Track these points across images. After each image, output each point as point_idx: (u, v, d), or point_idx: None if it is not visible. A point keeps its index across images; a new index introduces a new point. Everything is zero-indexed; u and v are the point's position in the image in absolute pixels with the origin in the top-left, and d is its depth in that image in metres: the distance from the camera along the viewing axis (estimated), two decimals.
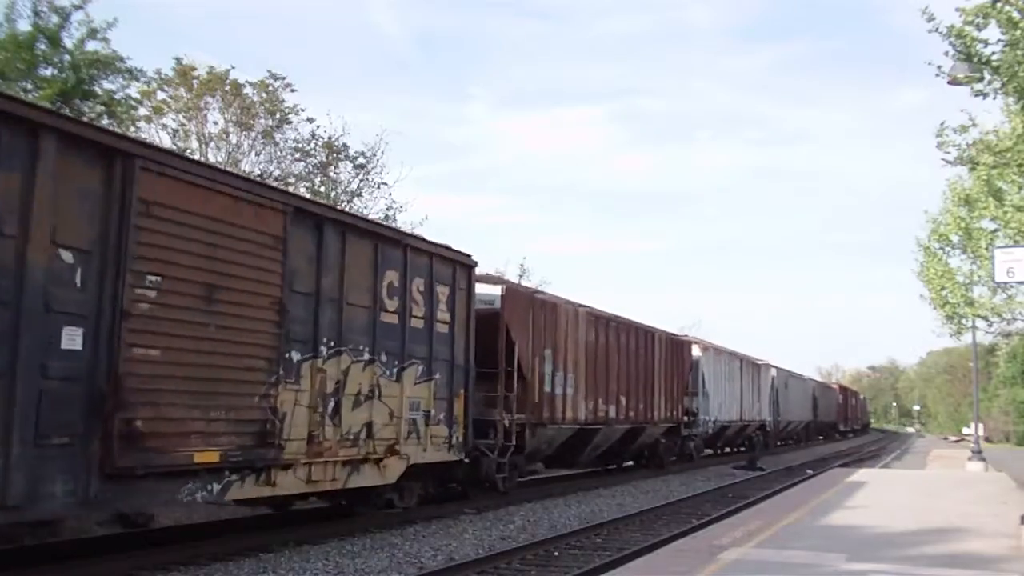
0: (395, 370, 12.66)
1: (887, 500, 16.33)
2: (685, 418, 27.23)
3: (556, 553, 11.90)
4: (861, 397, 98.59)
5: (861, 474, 23.59)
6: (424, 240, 14.32)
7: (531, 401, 17.29)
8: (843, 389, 77.03)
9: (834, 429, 67.44)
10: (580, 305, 20.44)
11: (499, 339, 16.20)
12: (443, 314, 13.99)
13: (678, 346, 27.26)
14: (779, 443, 45.24)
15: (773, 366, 42.52)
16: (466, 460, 15.03)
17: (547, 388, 18.00)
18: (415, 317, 13.20)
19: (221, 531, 12.06)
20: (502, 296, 16.74)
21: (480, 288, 15.92)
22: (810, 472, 26.51)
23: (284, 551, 11.18)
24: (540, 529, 14.10)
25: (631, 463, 26.21)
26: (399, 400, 12.74)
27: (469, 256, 15.24)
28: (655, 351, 24.64)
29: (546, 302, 18.82)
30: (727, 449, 37.32)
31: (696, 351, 29.70)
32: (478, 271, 15.87)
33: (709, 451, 34.06)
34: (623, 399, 22.20)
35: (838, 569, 8.99)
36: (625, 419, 22.43)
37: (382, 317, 12.42)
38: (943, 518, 13.39)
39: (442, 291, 14.03)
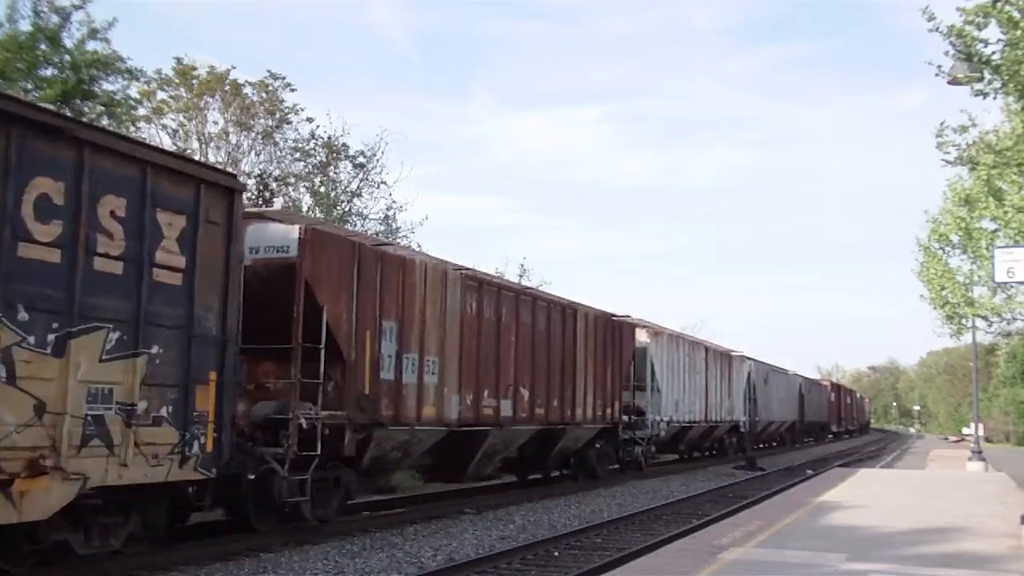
0: (51, 336, 8.22)
1: (887, 500, 16.34)
2: (626, 418, 22.60)
3: (556, 553, 11.90)
4: (858, 395, 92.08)
5: (861, 474, 23.60)
6: (126, 138, 10.49)
7: (354, 392, 12.45)
8: (835, 386, 70.64)
9: (825, 430, 62.58)
10: (456, 266, 15.65)
11: (296, 302, 11.53)
12: (171, 256, 9.57)
13: (615, 329, 21.90)
14: (758, 446, 40.37)
15: (749, 358, 37.53)
16: (251, 476, 11.14)
17: (386, 374, 13.14)
18: (104, 256, 8.81)
19: (221, 531, 12.05)
20: (301, 240, 11.72)
21: (265, 229, 11.91)
22: (810, 472, 26.52)
23: (284, 551, 11.19)
24: (540, 529, 14.10)
25: (557, 474, 21.23)
26: (60, 385, 8.26)
27: (230, 175, 11.26)
28: (579, 333, 19.59)
29: (388, 256, 13.75)
30: (695, 454, 33.26)
31: (643, 336, 24.71)
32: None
33: (674, 456, 30.54)
34: (525, 392, 17.18)
35: (838, 569, 8.99)
36: (531, 418, 17.46)
37: (20, 250, 8.03)
38: (943, 518, 13.39)
39: (170, 221, 9.60)
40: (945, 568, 9.23)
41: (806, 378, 54.83)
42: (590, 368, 20.16)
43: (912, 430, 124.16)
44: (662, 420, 25.38)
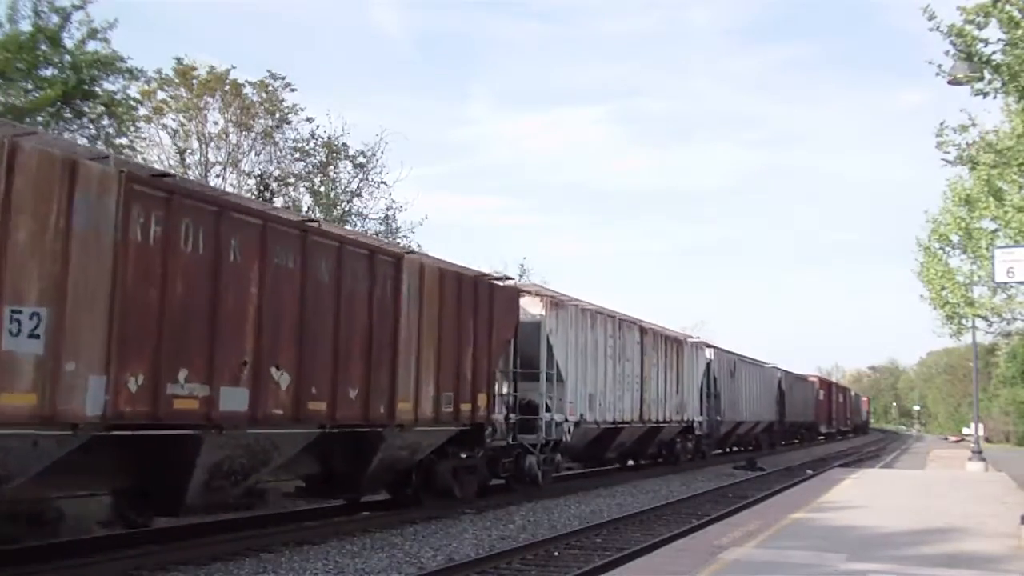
0: None
1: (887, 500, 16.34)
2: (503, 416, 16.81)
3: (556, 553, 11.90)
4: (852, 393, 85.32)
5: (861, 474, 23.60)
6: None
7: None
8: (825, 383, 64.20)
9: (812, 431, 56.40)
10: (100, 157, 9.76)
11: None
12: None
13: (483, 294, 15.57)
14: (722, 451, 35.52)
15: (710, 345, 31.83)
16: None
17: None
18: None
19: (221, 531, 12.05)
20: None
21: None
22: (810, 472, 26.51)
23: (284, 551, 11.19)
24: (540, 529, 14.10)
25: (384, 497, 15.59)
26: None
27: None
28: (407, 294, 13.36)
29: None
30: (634, 461, 26.93)
31: (535, 307, 18.40)
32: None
33: (610, 466, 25.28)
34: (281, 376, 10.91)
35: (838, 569, 8.99)
36: (296, 416, 11.10)
37: None
38: (943, 518, 13.39)
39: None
40: (945, 568, 9.23)
41: (788, 372, 47.64)
42: (430, 345, 13.85)
43: (912, 430, 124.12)
44: (567, 420, 19.02)
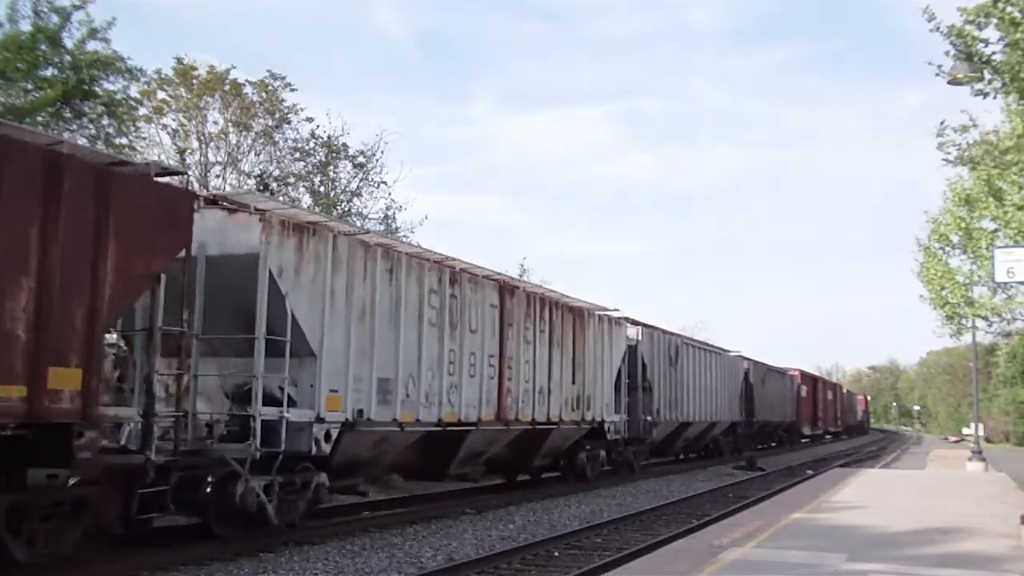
0: None
1: (887, 500, 16.34)
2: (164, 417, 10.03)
3: (556, 553, 11.90)
4: (844, 390, 77.08)
5: (861, 474, 23.60)
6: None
7: None
8: (809, 378, 55.20)
9: (792, 433, 48.74)
10: None
11: None
12: None
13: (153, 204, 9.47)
14: (656, 460, 27.52)
15: (636, 322, 24.20)
16: None
17: None
18: None
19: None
20: None
21: None
22: (810, 472, 26.52)
23: (284, 551, 11.19)
24: (540, 529, 14.10)
25: None
26: None
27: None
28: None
29: None
30: (522, 477, 20.04)
31: (250, 230, 11.35)
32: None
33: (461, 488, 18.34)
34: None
35: (838, 569, 8.99)
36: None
37: None
38: (943, 518, 13.39)
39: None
40: (945, 568, 9.24)
41: (758, 363, 39.95)
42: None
43: (911, 430, 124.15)
44: (320, 421, 11.85)
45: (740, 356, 36.61)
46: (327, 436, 11.89)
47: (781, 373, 46.12)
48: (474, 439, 15.76)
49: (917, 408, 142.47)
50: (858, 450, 48.56)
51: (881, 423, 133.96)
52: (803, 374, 52.34)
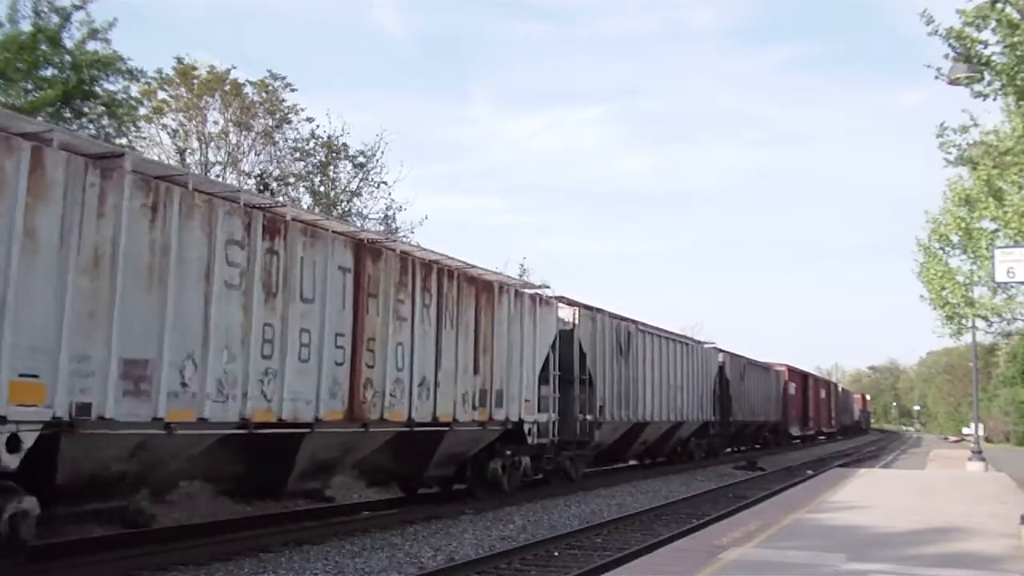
0: None
1: (887, 500, 16.34)
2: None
3: (556, 553, 11.90)
4: (839, 388, 72.03)
5: (861, 474, 23.60)
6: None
7: None
8: (798, 374, 49.89)
9: (779, 434, 44.80)
10: None
11: None
12: None
13: None
14: (607, 468, 24.79)
15: (572, 303, 20.43)
16: None
17: None
18: None
19: (221, 531, 12.06)
20: None
21: None
22: (810, 472, 26.51)
23: (284, 551, 11.20)
24: (540, 529, 14.10)
25: None
26: None
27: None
28: None
29: None
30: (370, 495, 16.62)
31: None
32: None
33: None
34: None
35: (838, 569, 8.99)
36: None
37: None
38: (943, 518, 13.39)
39: None
40: (945, 568, 9.24)
41: (736, 356, 35.79)
42: None
43: (912, 430, 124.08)
44: None
45: (714, 348, 32.48)
46: (12, 443, 7.99)
47: (765, 368, 41.64)
48: (316, 444, 11.89)
49: (917, 408, 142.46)
50: (858, 450, 48.57)
51: (881, 423, 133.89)
52: (791, 370, 47.66)
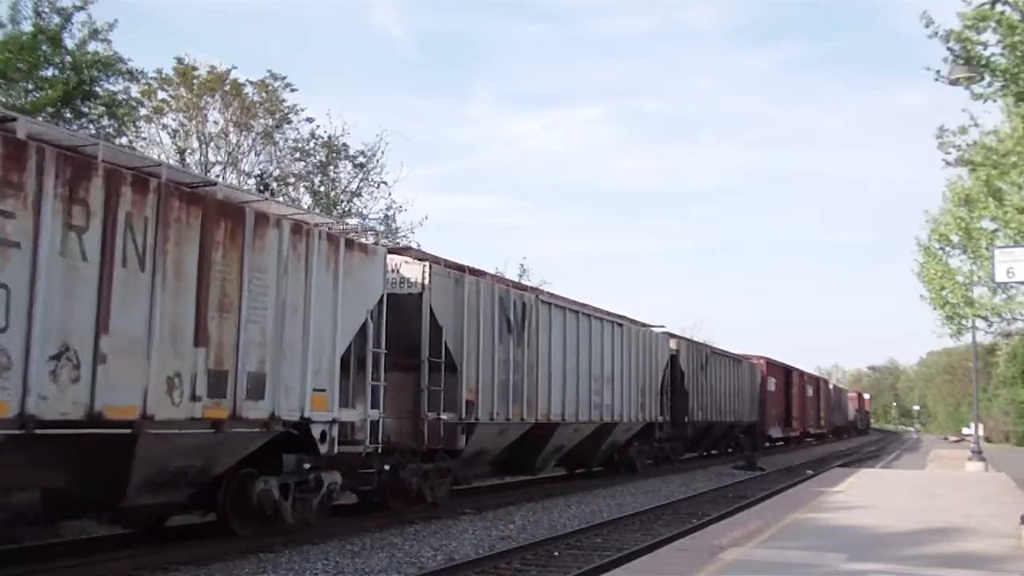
0: None
1: (887, 500, 16.34)
2: None
3: (556, 553, 11.91)
4: (830, 386, 66.12)
5: (861, 474, 23.61)
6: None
7: None
8: (779, 368, 44.71)
9: (752, 435, 38.55)
10: None
11: None
12: None
13: None
14: (476, 486, 19.07)
15: (422, 257, 15.24)
16: None
17: None
18: None
19: (221, 531, 12.06)
20: None
21: None
22: (810, 472, 26.52)
23: (284, 551, 11.20)
24: (540, 529, 14.11)
25: None
26: None
27: None
28: None
29: None
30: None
31: None
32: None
33: None
34: None
35: (838, 569, 9.00)
36: None
37: None
38: (943, 518, 13.40)
39: None
40: (945, 568, 9.24)
41: (696, 344, 31.58)
42: None
43: (913, 430, 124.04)
44: None
45: (665, 333, 26.91)
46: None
47: (736, 360, 36.03)
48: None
49: (917, 408, 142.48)
50: (857, 450, 48.58)
51: (881, 423, 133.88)
52: (770, 363, 42.51)
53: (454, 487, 16.15)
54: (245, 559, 10.58)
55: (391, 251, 14.40)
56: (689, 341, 30.47)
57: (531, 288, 19.33)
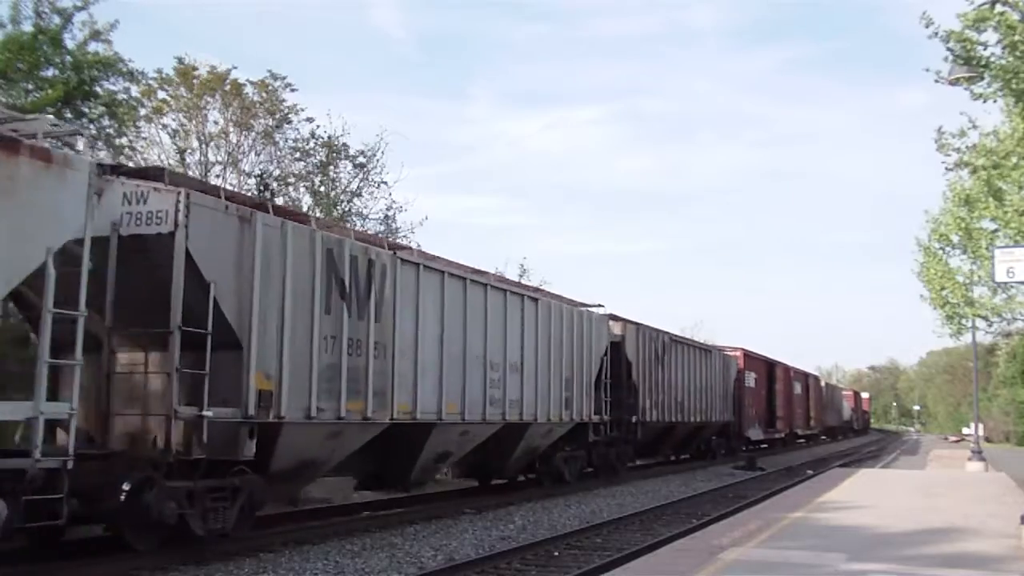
0: None
1: (887, 500, 16.34)
2: None
3: (556, 553, 11.91)
4: (822, 383, 60.40)
5: (861, 474, 23.61)
6: None
7: None
8: (760, 362, 40.00)
9: (727, 436, 34.19)
10: None
11: None
12: None
13: None
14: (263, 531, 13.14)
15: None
16: None
17: None
18: None
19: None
20: None
21: None
22: (810, 472, 26.52)
23: (284, 551, 11.21)
24: (540, 529, 14.11)
25: None
26: None
27: None
28: None
29: None
30: None
31: None
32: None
33: None
34: None
35: (838, 569, 9.00)
36: None
37: None
38: (943, 518, 13.40)
39: None
40: (945, 568, 9.24)
41: (650, 329, 25.52)
42: None
43: (913, 430, 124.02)
44: None
45: (607, 315, 22.45)
46: None
47: (704, 351, 31.37)
48: None
49: (917, 408, 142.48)
50: (857, 450, 48.59)
51: (881, 423, 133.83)
52: (747, 355, 37.24)
53: (300, 508, 12.95)
54: (245, 559, 10.59)
55: (131, 174, 10.80)
56: (639, 325, 24.59)
57: (392, 243, 15.23)
